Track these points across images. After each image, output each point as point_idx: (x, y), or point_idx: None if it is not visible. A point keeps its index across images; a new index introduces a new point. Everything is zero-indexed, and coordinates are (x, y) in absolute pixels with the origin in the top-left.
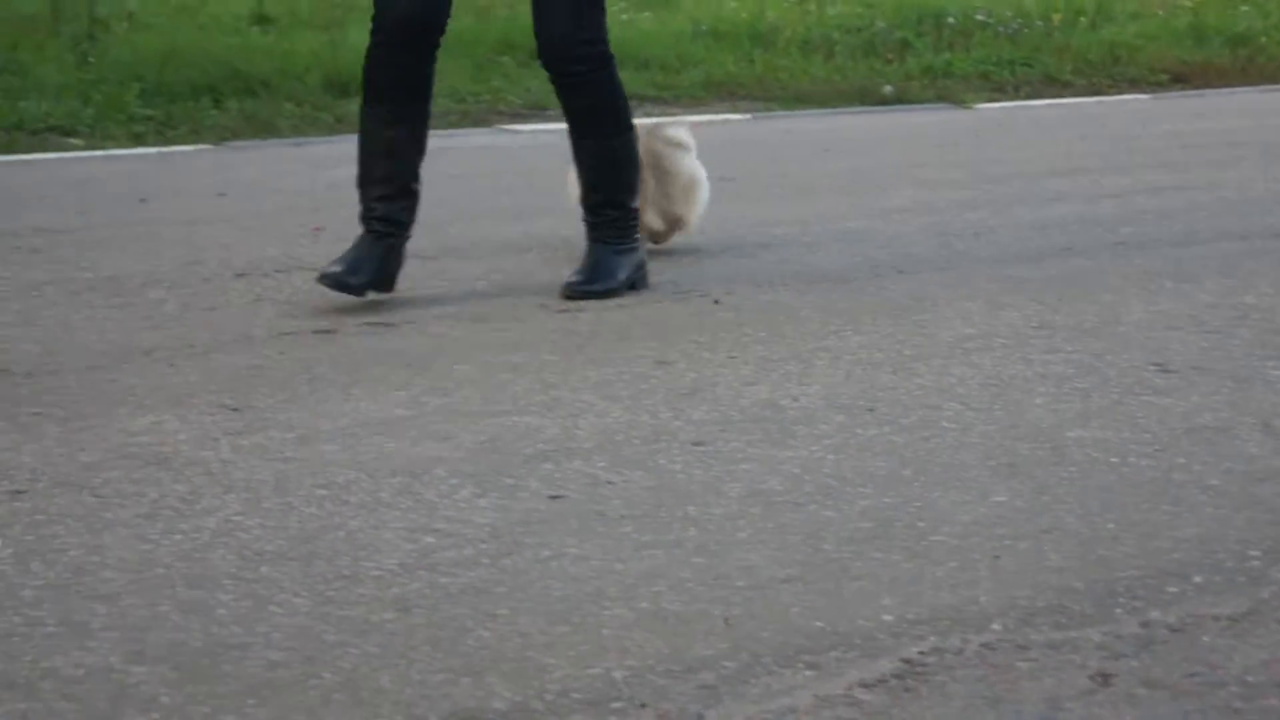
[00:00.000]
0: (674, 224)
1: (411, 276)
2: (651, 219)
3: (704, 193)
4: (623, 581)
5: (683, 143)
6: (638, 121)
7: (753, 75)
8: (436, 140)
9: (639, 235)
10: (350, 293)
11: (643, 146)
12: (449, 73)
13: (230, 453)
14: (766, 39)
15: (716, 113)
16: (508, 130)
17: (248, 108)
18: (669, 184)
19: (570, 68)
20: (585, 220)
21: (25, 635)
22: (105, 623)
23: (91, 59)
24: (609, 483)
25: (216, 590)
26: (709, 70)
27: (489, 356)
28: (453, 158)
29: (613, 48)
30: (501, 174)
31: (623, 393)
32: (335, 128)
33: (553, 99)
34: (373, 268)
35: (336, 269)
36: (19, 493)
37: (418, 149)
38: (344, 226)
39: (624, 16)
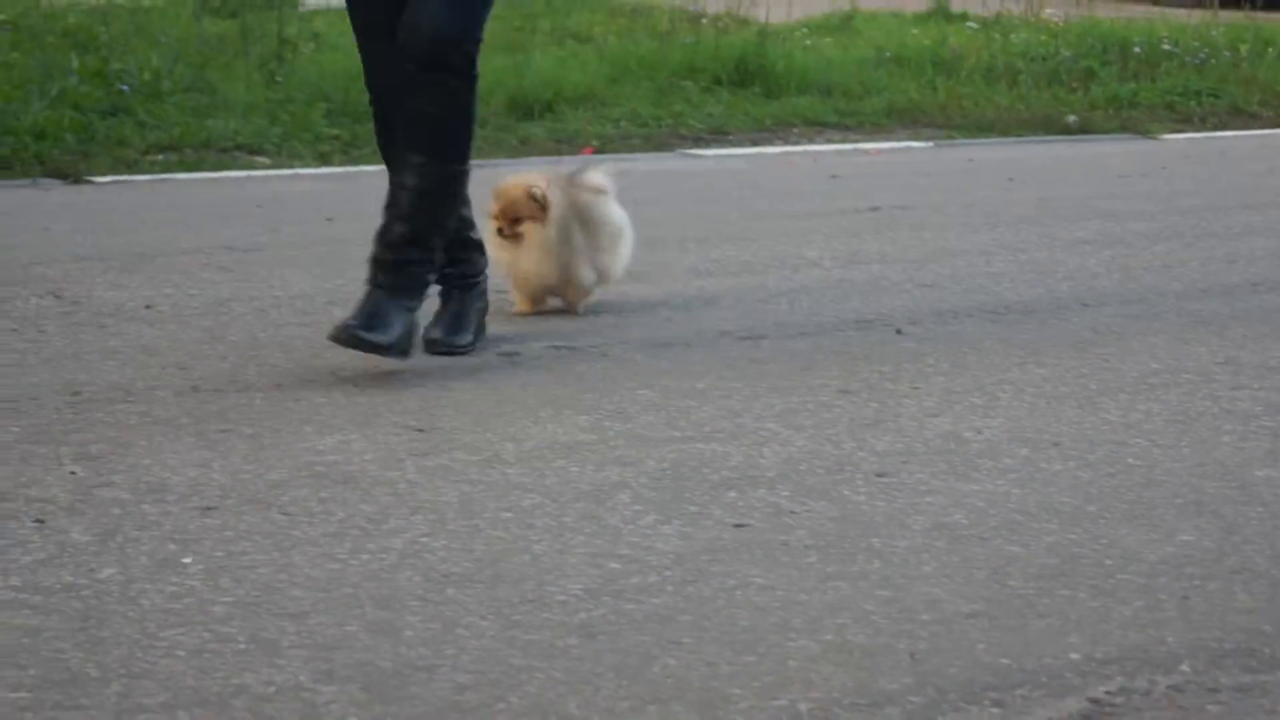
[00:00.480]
0: (603, 275)
1: (598, 299)
2: (584, 272)
3: (630, 241)
4: (807, 613)
5: (605, 189)
6: (550, 170)
7: (935, 102)
8: (617, 163)
9: (424, 295)
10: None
11: (565, 197)
12: (631, 97)
13: (416, 474)
14: (949, 66)
15: (898, 140)
16: (689, 155)
17: None
18: (597, 233)
19: (434, 68)
20: (375, 259)
21: (216, 652)
22: (294, 641)
23: (279, 79)
24: (792, 512)
25: (404, 611)
26: (891, 97)
27: (671, 382)
28: (634, 181)
29: (795, 73)
30: (683, 199)
31: (806, 421)
32: (518, 150)
33: (735, 121)
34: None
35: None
36: (209, 509)
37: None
38: None
39: (807, 42)
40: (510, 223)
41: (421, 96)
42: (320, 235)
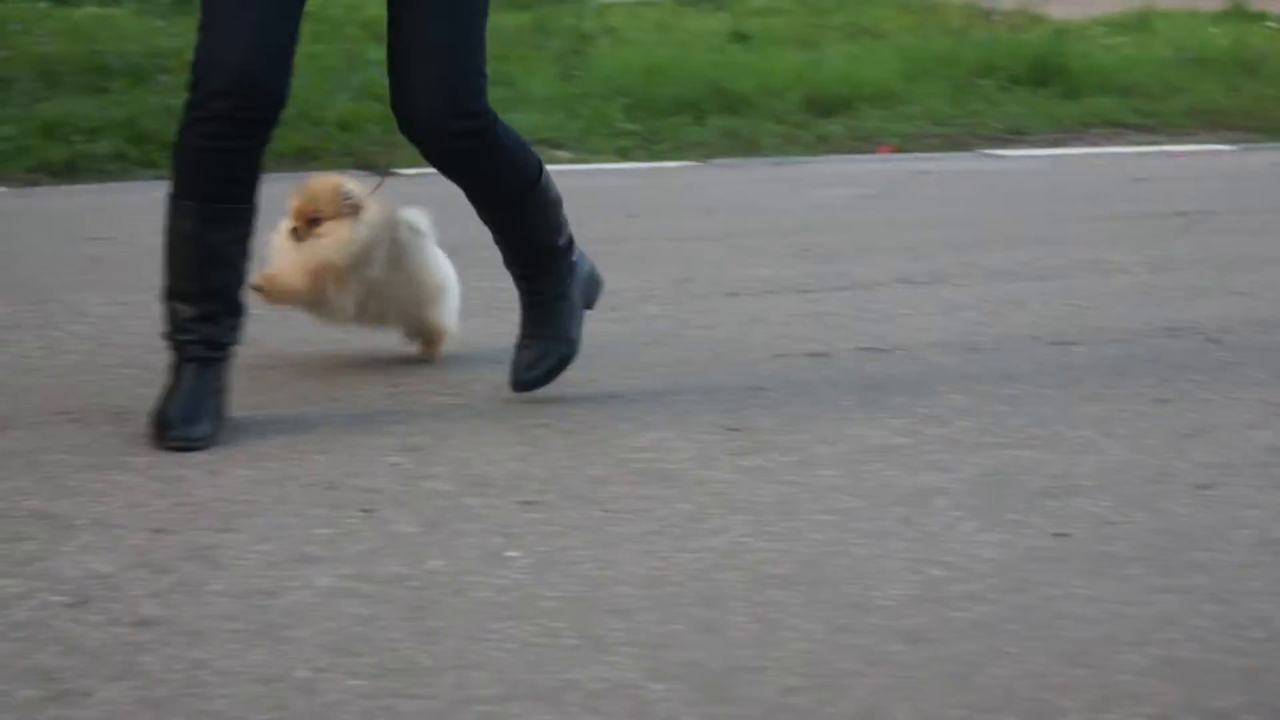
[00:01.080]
0: (431, 336)
1: (903, 300)
2: (347, 303)
3: (457, 297)
4: (1135, 626)
5: (425, 231)
6: (378, 208)
7: (1240, 105)
8: (917, 162)
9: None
10: (195, 448)
11: (386, 218)
12: (928, 95)
13: (732, 473)
14: (1253, 67)
15: (1201, 143)
16: (989, 155)
17: (729, 124)
18: (420, 284)
19: (445, 154)
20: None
21: (546, 646)
22: (622, 638)
23: (577, 73)
24: (1113, 522)
25: (728, 611)
26: (1193, 98)
27: (983, 387)
28: (934, 181)
29: (1094, 73)
30: (985, 200)
31: (1122, 430)
32: (815, 147)
33: (1034, 121)
34: (212, 409)
35: (170, 419)
36: (531, 503)
37: (245, 254)
38: (831, 248)
39: (1104, 41)
40: (307, 222)
41: (455, 175)
42: (624, 231)
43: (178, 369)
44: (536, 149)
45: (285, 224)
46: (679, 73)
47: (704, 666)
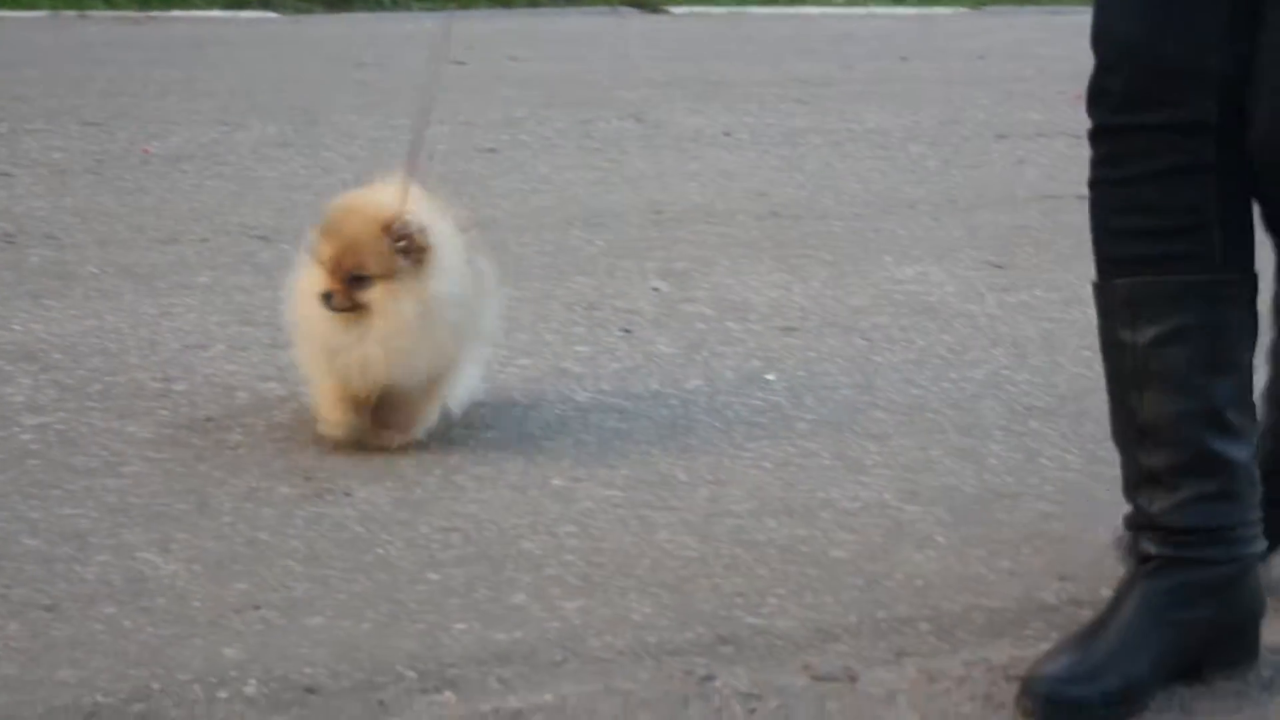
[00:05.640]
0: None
1: None
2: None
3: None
4: None
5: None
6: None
7: None
8: None
9: None
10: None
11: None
12: None
13: (996, 308)
14: None
15: None
16: None
17: None
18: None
19: None
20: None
21: (801, 466)
22: (877, 460)
23: None
24: None
25: (987, 440)
26: None
27: None
28: None
29: None
30: None
31: None
32: None
33: None
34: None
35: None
36: (790, 329)
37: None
38: None
39: None
40: (349, 284)
41: None
42: (894, 73)
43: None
44: None
45: (311, 277)
46: None
47: (960, 491)
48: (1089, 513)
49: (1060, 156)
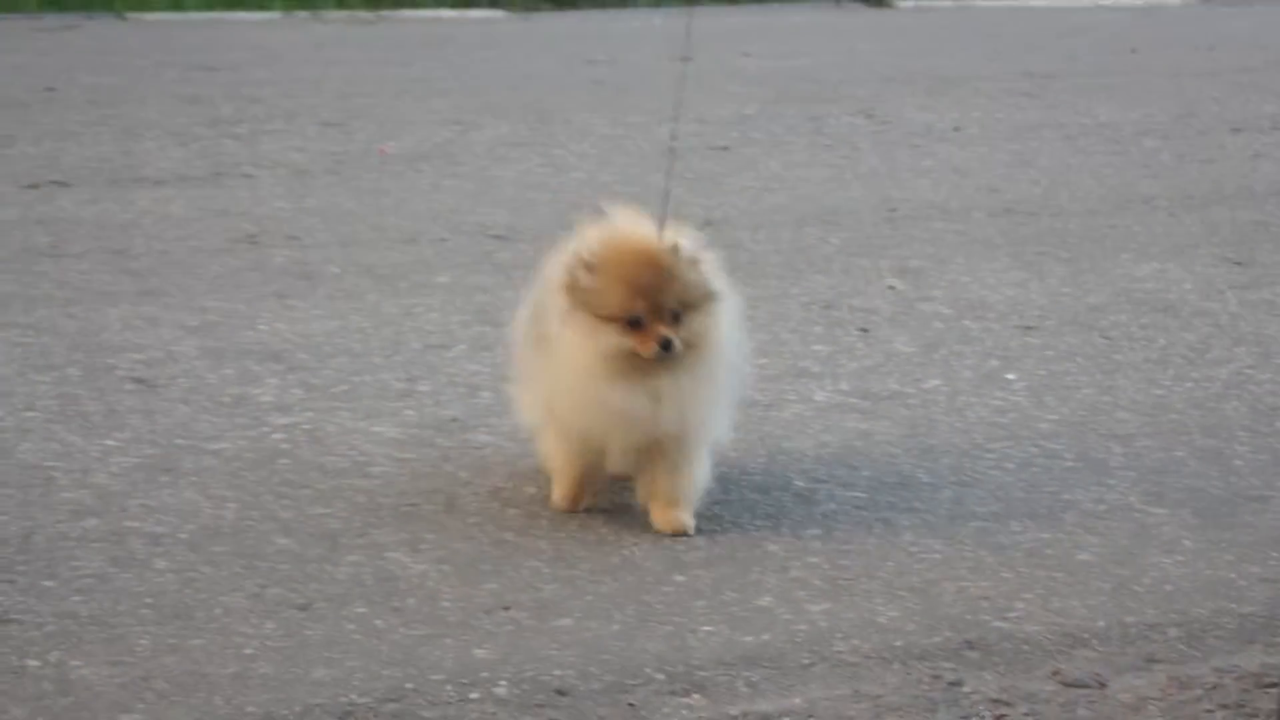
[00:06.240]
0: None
1: None
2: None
3: None
4: None
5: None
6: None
7: None
8: None
9: None
10: None
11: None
12: None
13: (1237, 306)
14: None
15: None
16: None
17: None
18: None
19: None
20: None
21: (1044, 467)
22: (1122, 462)
23: None
24: None
25: (1232, 441)
26: None
27: None
28: None
29: None
30: None
31: None
32: None
33: None
34: None
35: None
36: (1029, 328)
37: None
38: None
39: None
40: (667, 321)
41: None
42: (1122, 65)
43: None
44: None
45: (585, 328)
46: None
47: (1206, 493)
48: None
49: None
